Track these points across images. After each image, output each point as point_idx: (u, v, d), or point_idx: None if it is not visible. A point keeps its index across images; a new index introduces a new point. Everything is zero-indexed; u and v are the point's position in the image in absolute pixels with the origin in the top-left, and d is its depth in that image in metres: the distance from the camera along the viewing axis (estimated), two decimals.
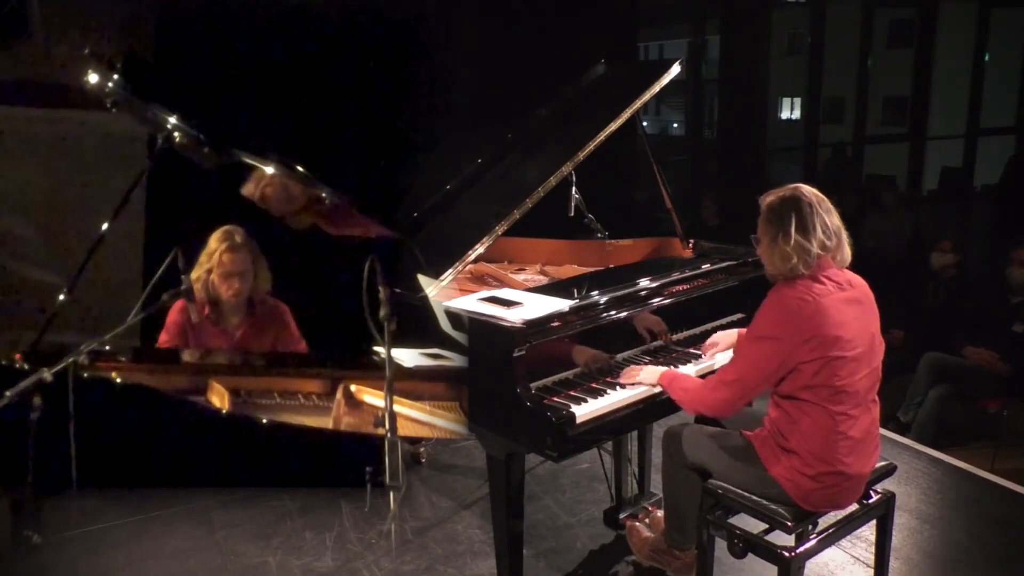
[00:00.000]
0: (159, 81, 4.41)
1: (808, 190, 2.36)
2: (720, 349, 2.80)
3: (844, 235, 2.37)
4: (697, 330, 2.99)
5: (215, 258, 3.33)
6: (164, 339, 3.36)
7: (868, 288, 2.41)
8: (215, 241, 3.36)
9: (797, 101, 17.28)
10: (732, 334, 2.80)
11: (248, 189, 2.97)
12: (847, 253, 2.38)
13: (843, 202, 8.06)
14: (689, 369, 2.73)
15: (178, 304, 3.24)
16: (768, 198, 2.39)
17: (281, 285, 3.56)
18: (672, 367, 2.71)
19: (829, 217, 2.34)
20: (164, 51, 4.70)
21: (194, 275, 3.31)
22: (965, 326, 4.79)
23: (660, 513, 3.02)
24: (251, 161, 2.83)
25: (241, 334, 3.42)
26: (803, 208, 2.31)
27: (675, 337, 2.91)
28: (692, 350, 2.87)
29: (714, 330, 3.01)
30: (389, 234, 2.90)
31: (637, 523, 3.03)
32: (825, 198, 2.37)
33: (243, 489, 3.72)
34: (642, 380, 2.55)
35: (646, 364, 2.70)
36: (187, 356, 3.31)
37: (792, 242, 2.28)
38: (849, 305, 2.30)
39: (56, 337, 3.04)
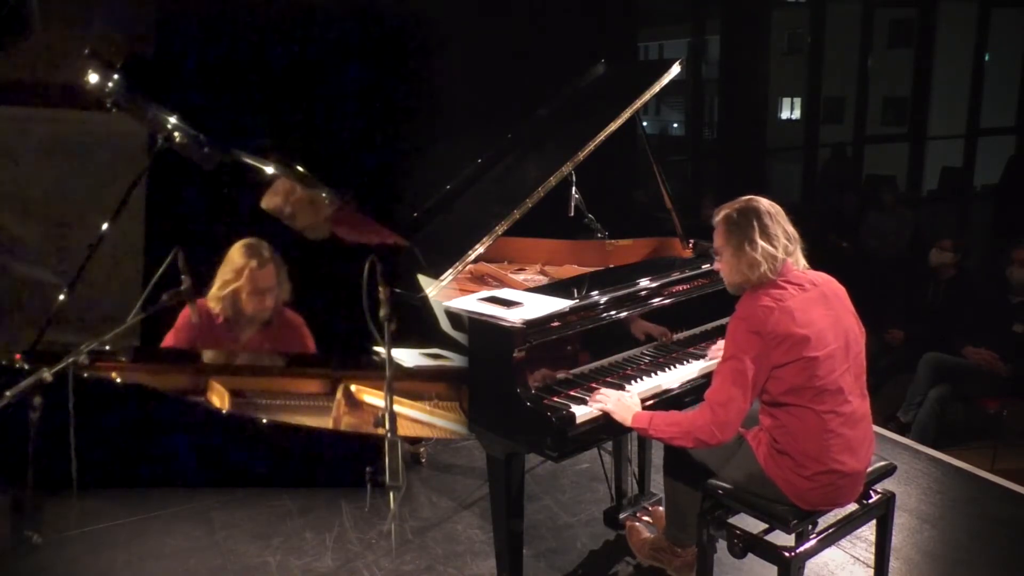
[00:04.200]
0: (159, 81, 4.42)
1: (764, 200, 2.39)
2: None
3: (799, 241, 2.41)
4: (697, 330, 2.99)
5: (245, 275, 3.20)
6: (171, 340, 3.31)
7: (835, 283, 2.42)
8: (240, 257, 3.22)
9: (797, 101, 17.28)
10: None
11: (274, 203, 2.92)
12: (802, 259, 2.41)
13: (843, 202, 8.07)
14: (690, 369, 2.73)
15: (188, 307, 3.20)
16: (724, 210, 2.41)
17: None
18: (671, 367, 2.72)
19: (786, 224, 2.38)
20: (164, 51, 4.70)
21: (217, 290, 3.23)
22: (965, 326, 4.79)
23: (661, 509, 3.03)
24: (251, 161, 2.83)
25: (255, 345, 3.35)
26: (763, 216, 2.34)
27: (675, 337, 2.91)
28: (692, 350, 2.87)
29: (714, 330, 3.01)
30: (397, 238, 2.89)
31: (637, 523, 3.04)
32: (780, 208, 2.41)
33: (243, 489, 3.72)
34: (611, 411, 2.40)
35: (637, 375, 2.70)
36: (187, 356, 3.30)
37: (759, 248, 2.30)
38: (815, 304, 2.31)
39: (56, 337, 3.03)
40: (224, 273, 3.25)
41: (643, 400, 2.51)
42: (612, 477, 3.25)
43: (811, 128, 10.07)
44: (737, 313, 2.33)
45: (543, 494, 3.67)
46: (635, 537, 2.99)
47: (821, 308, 2.32)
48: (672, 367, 2.73)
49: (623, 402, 2.42)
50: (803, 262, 2.42)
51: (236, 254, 3.25)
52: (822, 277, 2.41)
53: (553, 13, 6.56)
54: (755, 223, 2.33)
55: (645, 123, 3.81)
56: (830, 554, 3.07)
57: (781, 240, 2.32)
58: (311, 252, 3.55)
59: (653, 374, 2.66)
